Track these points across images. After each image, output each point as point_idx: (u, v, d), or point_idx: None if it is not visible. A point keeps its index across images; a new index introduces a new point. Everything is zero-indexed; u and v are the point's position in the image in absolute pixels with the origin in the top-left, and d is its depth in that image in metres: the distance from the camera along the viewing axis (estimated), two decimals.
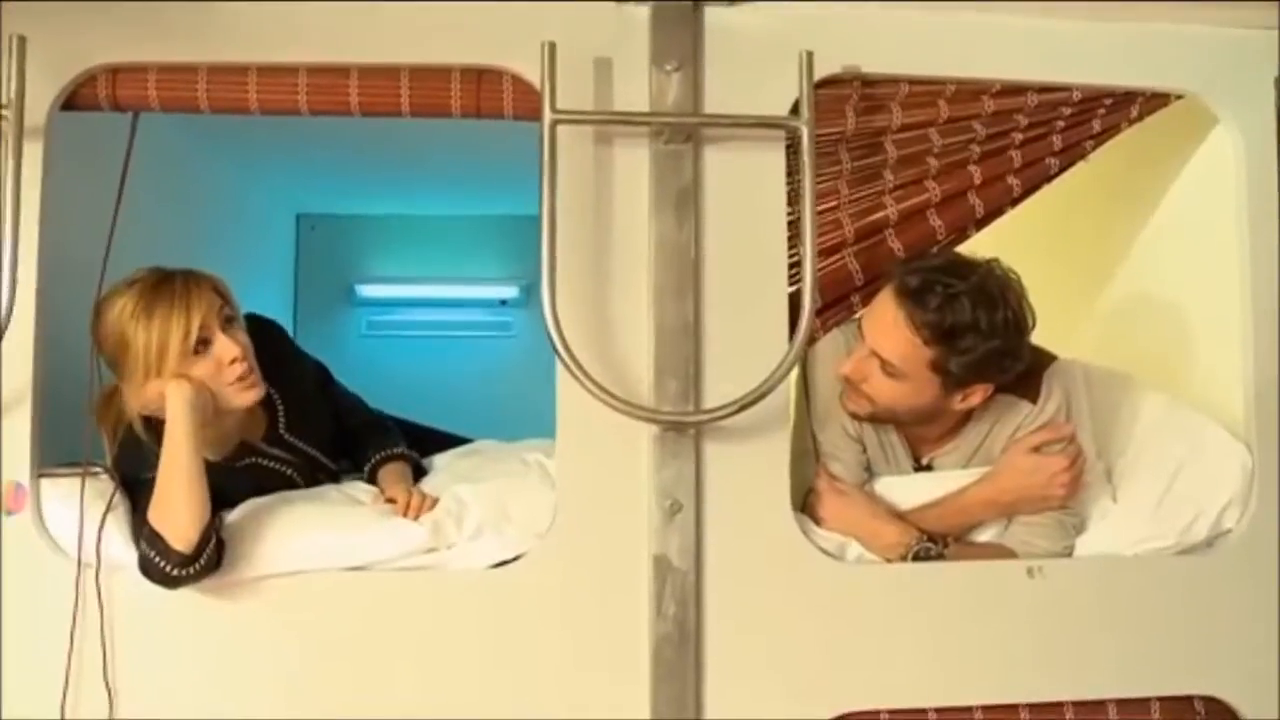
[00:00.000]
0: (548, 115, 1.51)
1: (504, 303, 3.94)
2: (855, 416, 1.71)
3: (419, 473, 1.88)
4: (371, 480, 1.81)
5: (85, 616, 1.51)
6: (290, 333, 4.02)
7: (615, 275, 1.61)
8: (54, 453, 1.59)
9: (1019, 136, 1.76)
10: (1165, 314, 2.09)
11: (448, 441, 2.03)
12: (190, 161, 2.83)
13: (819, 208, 1.66)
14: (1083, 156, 1.80)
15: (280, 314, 3.88)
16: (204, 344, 1.59)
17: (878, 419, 1.71)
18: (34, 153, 1.51)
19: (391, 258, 3.98)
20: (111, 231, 1.65)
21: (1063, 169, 1.79)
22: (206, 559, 1.48)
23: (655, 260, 1.61)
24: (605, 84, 1.63)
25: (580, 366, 1.51)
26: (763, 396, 1.53)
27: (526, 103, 1.61)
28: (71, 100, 1.59)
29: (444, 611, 1.59)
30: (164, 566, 1.46)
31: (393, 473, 1.81)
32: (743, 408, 1.53)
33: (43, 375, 1.55)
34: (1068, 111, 1.76)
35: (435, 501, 1.66)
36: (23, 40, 1.46)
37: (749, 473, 1.60)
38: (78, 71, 1.57)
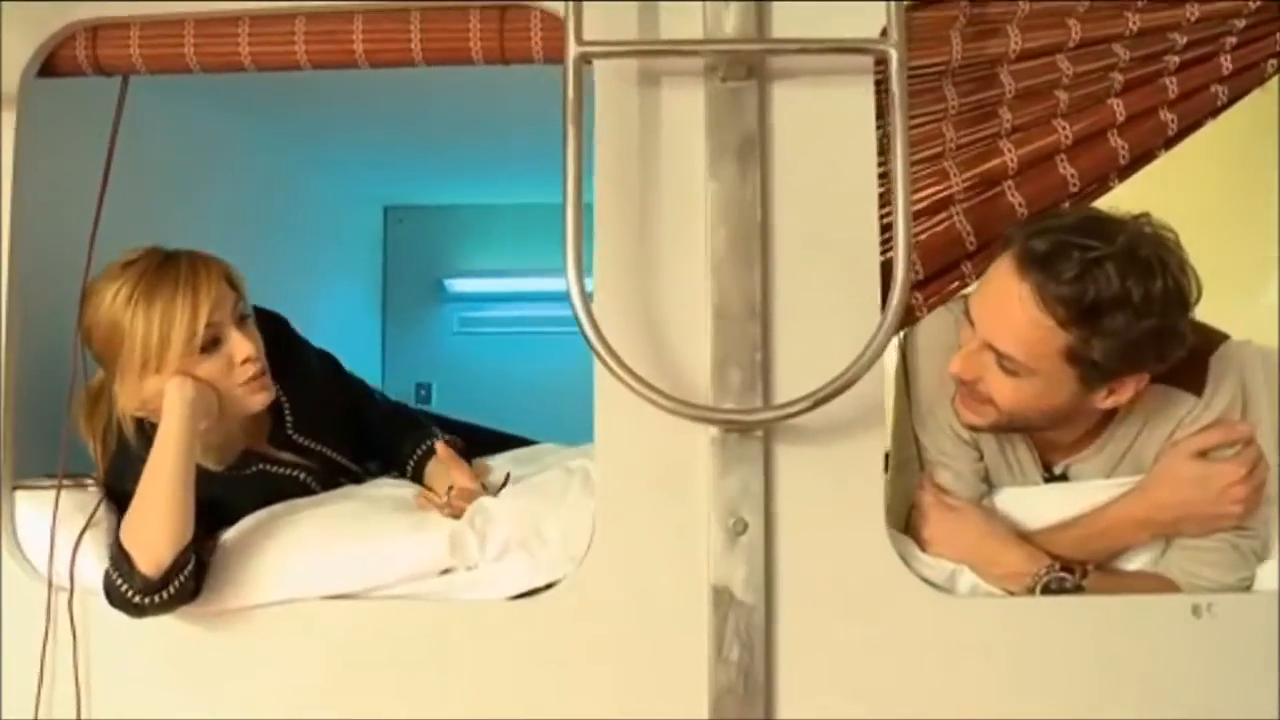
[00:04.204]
0: (572, 48, 1.25)
1: None
2: (972, 428, 1.38)
3: None
4: (417, 479, 1.61)
5: (56, 647, 1.34)
6: (380, 331, 3.88)
7: (664, 242, 1.34)
8: (37, 461, 1.42)
9: (1174, 60, 1.41)
10: None
11: (503, 443, 1.79)
12: (257, 150, 2.71)
13: (919, 155, 1.37)
14: (1261, 81, 1.44)
15: (369, 311, 3.77)
16: (214, 342, 1.40)
17: (1000, 429, 1.38)
18: (7, 124, 1.39)
19: (483, 250, 3.81)
20: (99, 210, 1.48)
21: (1234, 99, 1.43)
22: (177, 587, 1.27)
23: (713, 223, 1.32)
24: (650, 15, 1.35)
25: (616, 355, 1.25)
26: (843, 389, 1.23)
27: (559, 43, 1.35)
28: (51, 64, 1.44)
29: (459, 651, 1.35)
30: (126, 591, 1.27)
31: (439, 464, 1.58)
32: (818, 403, 1.23)
33: (18, 372, 1.39)
34: (1240, 24, 1.41)
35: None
36: None
37: (831, 484, 1.31)
38: (55, 29, 1.41)
